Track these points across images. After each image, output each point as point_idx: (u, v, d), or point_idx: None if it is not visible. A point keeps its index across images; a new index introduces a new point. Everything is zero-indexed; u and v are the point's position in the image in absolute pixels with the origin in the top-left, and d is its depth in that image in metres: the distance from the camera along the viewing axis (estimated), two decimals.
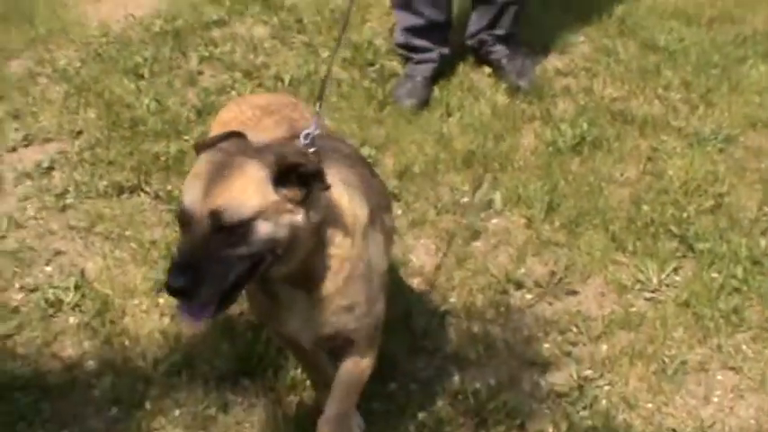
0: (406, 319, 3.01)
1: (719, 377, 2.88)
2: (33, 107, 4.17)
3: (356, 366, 2.31)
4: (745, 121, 4.15)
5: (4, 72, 4.47)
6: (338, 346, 2.32)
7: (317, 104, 2.34)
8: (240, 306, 2.94)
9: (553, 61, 4.63)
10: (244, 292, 2.06)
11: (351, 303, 2.15)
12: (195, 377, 2.78)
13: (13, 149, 3.88)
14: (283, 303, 2.15)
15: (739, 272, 3.24)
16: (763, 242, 3.41)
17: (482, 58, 4.51)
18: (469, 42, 4.52)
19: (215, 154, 1.92)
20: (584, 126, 4.04)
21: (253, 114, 2.53)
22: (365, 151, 3.80)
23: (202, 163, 1.91)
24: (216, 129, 2.52)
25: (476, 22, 4.47)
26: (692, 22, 5.04)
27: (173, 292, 1.83)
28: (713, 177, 3.77)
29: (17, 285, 3.15)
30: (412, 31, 4.37)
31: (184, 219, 1.86)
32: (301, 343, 2.28)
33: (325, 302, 2.12)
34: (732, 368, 2.91)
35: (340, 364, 2.33)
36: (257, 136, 2.11)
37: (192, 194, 1.85)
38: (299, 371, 2.75)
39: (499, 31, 4.42)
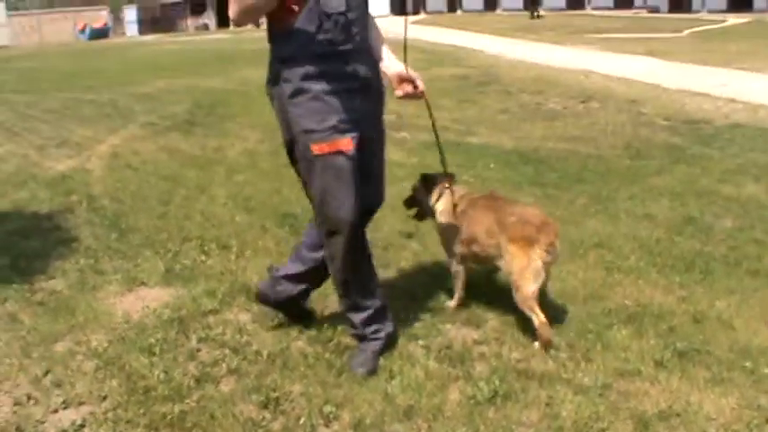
0: None
1: None
2: (72, 378, 4.63)
3: None
4: (616, 372, 4.57)
5: (51, 351, 5.00)
6: None
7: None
8: None
9: (471, 334, 5.11)
10: None
11: None
12: None
13: (55, 411, 4.30)
14: None
15: None
16: None
17: None
18: None
19: None
20: (497, 382, 4.40)
21: None
22: (327, 409, 4.17)
23: None
24: None
25: None
26: (571, 301, 5.55)
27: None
28: (595, 416, 4.08)
29: None
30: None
31: None
32: None
33: None
34: None
35: None
36: None
37: None
38: None
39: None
